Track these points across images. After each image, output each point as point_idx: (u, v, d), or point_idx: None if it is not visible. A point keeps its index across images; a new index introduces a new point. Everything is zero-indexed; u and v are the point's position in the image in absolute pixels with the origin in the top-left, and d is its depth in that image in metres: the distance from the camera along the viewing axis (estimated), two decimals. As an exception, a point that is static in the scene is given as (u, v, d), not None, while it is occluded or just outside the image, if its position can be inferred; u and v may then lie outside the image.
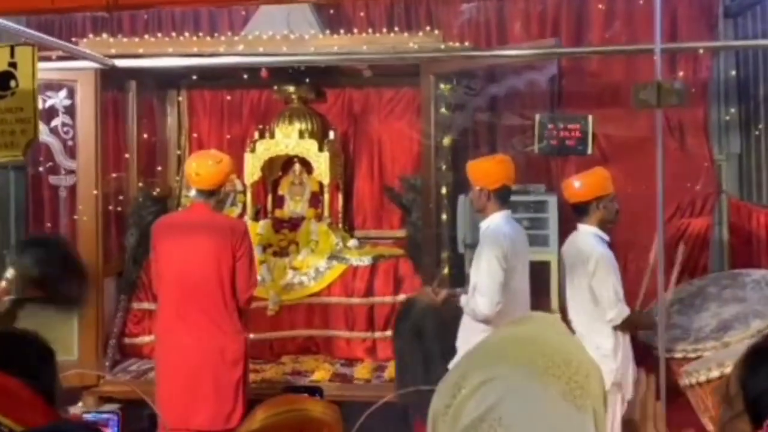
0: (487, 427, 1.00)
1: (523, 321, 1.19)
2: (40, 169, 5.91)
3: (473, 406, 1.03)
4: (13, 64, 2.38)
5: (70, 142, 5.41)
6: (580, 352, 1.13)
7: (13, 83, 2.36)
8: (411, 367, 4.63)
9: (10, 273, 4.93)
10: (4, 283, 4.43)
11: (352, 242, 5.91)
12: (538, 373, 1.05)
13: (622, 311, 3.92)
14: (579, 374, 1.07)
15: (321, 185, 5.99)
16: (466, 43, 5.67)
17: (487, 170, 4.10)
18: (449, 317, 4.32)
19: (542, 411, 1.03)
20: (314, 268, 5.66)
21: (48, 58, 4.85)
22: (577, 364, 1.08)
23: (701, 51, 5.50)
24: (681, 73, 5.64)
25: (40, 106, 5.15)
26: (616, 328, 3.95)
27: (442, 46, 5.26)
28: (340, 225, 6.16)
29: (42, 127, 5.23)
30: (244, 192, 6.09)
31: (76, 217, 5.41)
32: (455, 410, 1.05)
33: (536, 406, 1.03)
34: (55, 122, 5.39)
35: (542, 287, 4.98)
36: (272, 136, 5.98)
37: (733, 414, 1.54)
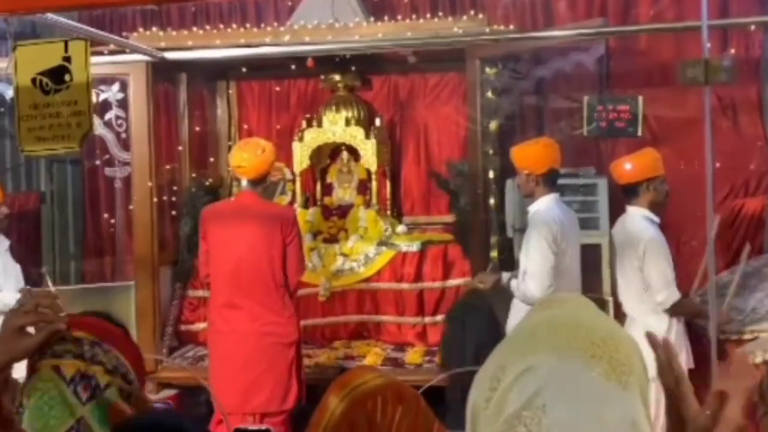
0: (531, 416, 0.98)
1: (553, 304, 1.15)
2: (96, 161, 6.06)
3: (515, 396, 1.01)
4: (67, 59, 2.44)
5: (123, 135, 5.54)
6: (616, 329, 1.10)
7: (67, 77, 2.43)
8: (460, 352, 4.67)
9: None
10: None
11: (400, 228, 5.95)
12: (579, 356, 1.03)
13: (672, 295, 3.88)
14: (619, 352, 1.04)
15: (368, 172, 6.03)
16: (511, 26, 5.61)
17: (532, 155, 4.08)
18: (500, 302, 4.35)
19: (587, 394, 1.00)
20: (364, 254, 5.71)
21: (100, 53, 4.97)
22: (617, 342, 1.06)
23: (752, 27, 5.36)
24: (732, 51, 5.51)
25: (93, 100, 5.31)
26: (666, 312, 3.91)
27: (487, 30, 5.23)
28: (389, 211, 6.19)
29: (96, 121, 5.37)
30: (293, 180, 6.16)
31: (131, 207, 5.55)
32: (497, 403, 1.03)
33: (580, 390, 1.00)
34: (109, 115, 5.52)
35: (593, 270, 4.94)
36: (320, 125, 6.04)
37: (764, 411, 1.52)
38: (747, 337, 4.06)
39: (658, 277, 3.87)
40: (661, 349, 1.12)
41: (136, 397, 1.53)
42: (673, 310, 3.91)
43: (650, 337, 1.12)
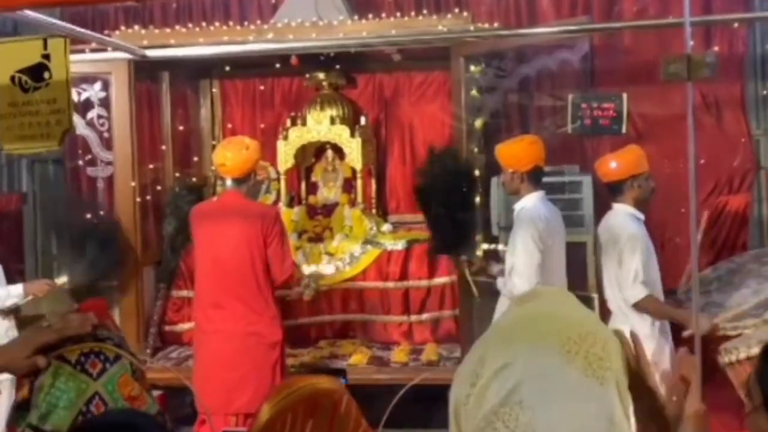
0: (509, 411, 0.99)
1: (531, 298, 1.16)
2: (78, 161, 6.00)
3: (493, 392, 1.02)
4: (46, 56, 2.42)
5: (106, 134, 5.50)
6: (594, 323, 1.10)
7: (46, 75, 2.41)
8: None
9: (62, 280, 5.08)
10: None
11: (386, 227, 5.94)
12: (555, 352, 1.03)
13: (639, 292, 3.85)
14: (596, 346, 1.05)
15: (354, 171, 6.02)
16: (496, 24, 5.62)
17: (517, 152, 4.08)
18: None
19: (563, 391, 1.01)
20: (349, 253, 5.69)
21: (81, 51, 4.92)
22: (594, 337, 1.06)
23: (736, 24, 5.38)
24: (716, 48, 5.53)
25: (75, 99, 5.27)
26: (634, 308, 3.88)
27: (472, 28, 5.23)
28: (374, 210, 6.18)
29: (78, 120, 5.32)
30: (278, 179, 6.14)
31: (114, 207, 5.50)
32: (476, 398, 1.04)
33: (556, 387, 1.01)
34: (91, 114, 5.47)
35: (579, 268, 4.94)
36: (304, 124, 6.01)
37: (751, 407, 1.53)
38: (731, 333, 4.07)
39: (627, 274, 3.86)
40: (629, 346, 1.13)
41: (140, 372, 1.55)
42: (638, 308, 3.88)
43: (617, 334, 1.12)
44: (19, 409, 1.46)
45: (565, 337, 1.05)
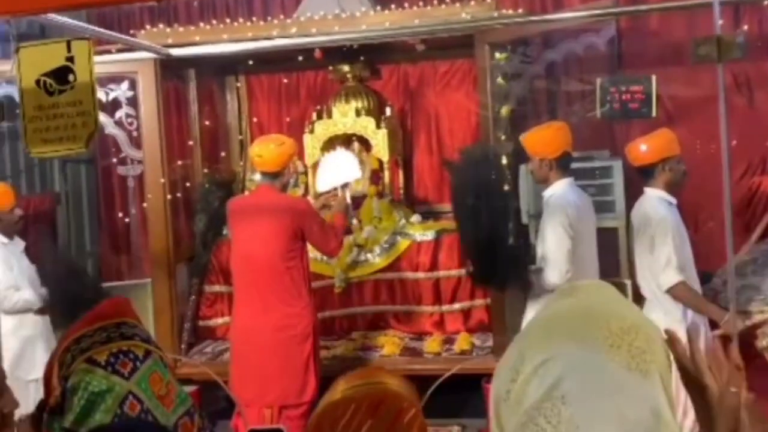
0: (551, 407, 0.98)
1: (572, 292, 1.14)
2: (109, 161, 6.07)
3: (535, 387, 1.01)
4: (70, 59, 2.44)
5: (135, 133, 5.54)
6: (636, 316, 1.09)
7: (71, 77, 2.43)
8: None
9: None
10: None
11: (414, 217, 5.92)
12: (598, 346, 1.02)
13: (673, 278, 3.79)
14: (639, 339, 1.03)
15: (380, 162, 6.00)
16: (520, 10, 5.57)
17: (545, 139, 4.04)
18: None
19: (606, 384, 0.99)
20: (379, 244, 5.69)
21: (108, 51, 4.96)
22: (636, 330, 1.04)
23: (765, 2, 5.27)
24: (745, 27, 5.43)
25: (103, 99, 5.32)
26: (668, 294, 3.82)
27: (496, 15, 5.17)
28: (402, 201, 6.17)
29: (107, 120, 5.38)
30: (305, 173, 6.15)
31: (145, 205, 5.55)
32: (517, 394, 1.03)
33: (600, 381, 1.00)
34: (119, 114, 5.52)
35: (610, 254, 4.90)
36: (330, 116, 6.02)
37: None
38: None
39: (659, 259, 3.80)
40: (680, 344, 1.10)
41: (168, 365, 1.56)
42: (671, 294, 3.81)
43: (668, 334, 1.10)
44: (51, 413, 1.46)
45: (607, 330, 1.03)
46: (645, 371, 1.02)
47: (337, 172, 4.99)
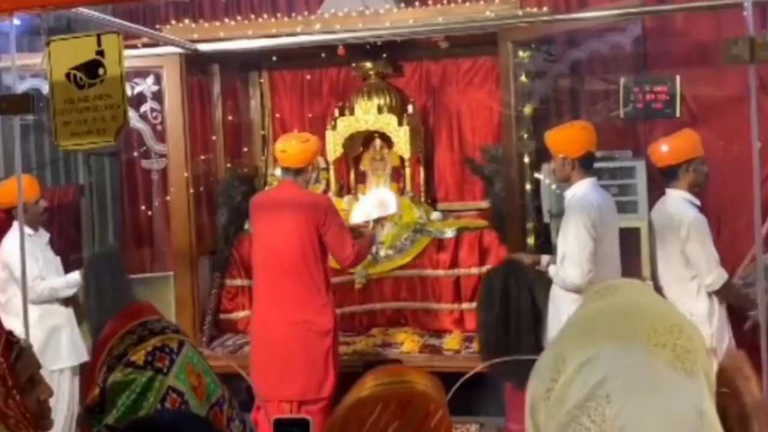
0: (595, 407, 0.97)
1: (609, 291, 1.13)
2: (133, 154, 6.12)
3: (578, 387, 1.00)
4: (100, 53, 2.47)
5: (159, 127, 5.59)
6: (676, 314, 1.08)
7: (101, 71, 2.46)
8: (496, 335, 4.61)
9: None
10: None
11: (435, 215, 5.92)
12: (641, 345, 1.01)
13: (721, 276, 3.81)
14: (683, 339, 1.03)
15: (402, 159, 6.01)
16: (545, 8, 5.54)
17: (568, 138, 4.03)
18: (538, 284, 4.30)
19: (651, 384, 0.99)
20: (399, 241, 5.70)
21: (134, 46, 5.01)
22: (679, 328, 1.04)
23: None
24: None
25: (128, 93, 5.35)
26: (714, 294, 3.83)
27: (520, 12, 5.16)
28: (423, 198, 6.17)
29: (132, 114, 5.42)
30: (327, 169, 6.17)
31: (168, 198, 5.60)
32: (558, 394, 1.02)
33: (644, 380, 0.99)
34: (144, 108, 5.57)
35: (632, 254, 4.87)
36: (352, 113, 6.03)
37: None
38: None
39: (706, 259, 3.81)
40: (731, 359, 1.11)
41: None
42: (722, 293, 3.83)
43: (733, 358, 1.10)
44: (91, 412, 1.47)
45: (651, 329, 1.02)
46: (690, 371, 1.01)
47: (375, 206, 4.98)
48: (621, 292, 1.12)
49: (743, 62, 2.58)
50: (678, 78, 4.70)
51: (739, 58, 2.54)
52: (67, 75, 2.51)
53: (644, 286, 1.15)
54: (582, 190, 3.95)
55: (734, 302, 3.90)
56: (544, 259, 4.17)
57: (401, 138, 5.85)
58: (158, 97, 5.52)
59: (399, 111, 5.98)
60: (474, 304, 5.54)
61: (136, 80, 5.50)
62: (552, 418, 1.02)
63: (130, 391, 1.44)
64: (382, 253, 5.68)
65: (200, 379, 1.52)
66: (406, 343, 5.37)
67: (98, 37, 2.49)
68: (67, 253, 5.55)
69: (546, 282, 4.13)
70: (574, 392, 1.00)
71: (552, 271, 3.98)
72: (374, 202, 5.03)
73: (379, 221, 4.93)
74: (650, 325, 1.03)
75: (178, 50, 5.11)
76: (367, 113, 5.96)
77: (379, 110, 5.93)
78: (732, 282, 3.85)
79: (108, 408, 1.44)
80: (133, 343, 1.49)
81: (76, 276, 4.93)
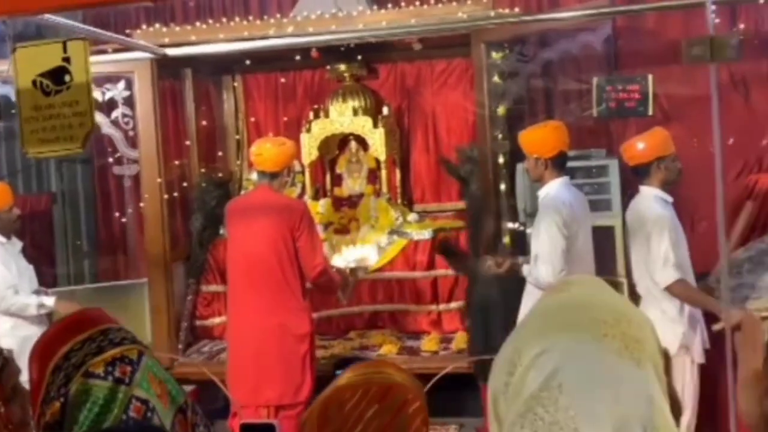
0: (548, 396, 1.00)
1: (565, 286, 1.18)
2: (106, 160, 6.07)
3: (532, 378, 1.03)
4: (66, 59, 2.44)
5: (131, 133, 5.54)
6: (627, 306, 1.12)
7: (67, 78, 2.43)
8: (479, 336, 4.64)
9: None
10: None
11: (411, 216, 5.93)
12: (591, 336, 1.05)
13: (671, 275, 3.80)
14: (632, 329, 1.06)
15: (378, 161, 6.01)
16: (516, 9, 5.57)
17: (541, 138, 4.05)
18: (513, 286, 4.31)
19: (602, 372, 1.02)
20: (376, 244, 5.69)
21: (104, 51, 4.96)
22: (628, 320, 1.07)
23: (761, 0, 5.27)
24: (742, 26, 5.43)
25: (99, 98, 5.32)
26: (669, 292, 3.83)
27: (492, 14, 5.17)
28: (399, 200, 6.17)
29: (103, 120, 5.38)
30: (302, 172, 6.15)
31: (141, 204, 5.56)
32: (515, 386, 1.05)
33: (595, 369, 1.02)
34: (116, 114, 5.52)
35: (607, 252, 4.90)
36: (327, 116, 6.02)
37: (763, 390, 1.52)
38: (765, 314, 4.01)
39: (657, 257, 3.82)
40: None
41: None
42: (670, 292, 3.83)
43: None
44: (49, 429, 1.43)
45: (600, 321, 1.06)
46: (638, 359, 1.04)
47: (355, 257, 4.96)
48: (574, 288, 1.16)
49: (704, 61, 2.60)
50: (650, 77, 4.73)
51: (699, 58, 2.56)
52: (33, 82, 2.48)
53: (598, 282, 1.18)
54: (554, 189, 3.97)
55: (690, 304, 3.88)
56: (520, 258, 4.17)
57: (377, 140, 5.85)
58: (130, 102, 5.48)
59: (374, 113, 5.98)
60: (452, 305, 5.56)
61: (107, 86, 5.46)
62: (510, 409, 1.06)
63: (91, 403, 1.41)
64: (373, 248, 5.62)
65: (163, 386, 1.50)
66: (384, 345, 5.37)
67: (64, 43, 2.46)
68: (41, 261, 5.48)
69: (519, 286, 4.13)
70: (530, 383, 1.03)
71: (525, 270, 3.99)
72: (356, 255, 5.03)
73: (354, 272, 4.89)
74: (600, 316, 1.07)
75: (149, 55, 5.07)
76: (342, 115, 5.96)
77: (354, 112, 5.93)
78: (682, 282, 3.83)
79: (68, 423, 1.41)
80: (92, 353, 1.46)
81: (50, 302, 4.80)
